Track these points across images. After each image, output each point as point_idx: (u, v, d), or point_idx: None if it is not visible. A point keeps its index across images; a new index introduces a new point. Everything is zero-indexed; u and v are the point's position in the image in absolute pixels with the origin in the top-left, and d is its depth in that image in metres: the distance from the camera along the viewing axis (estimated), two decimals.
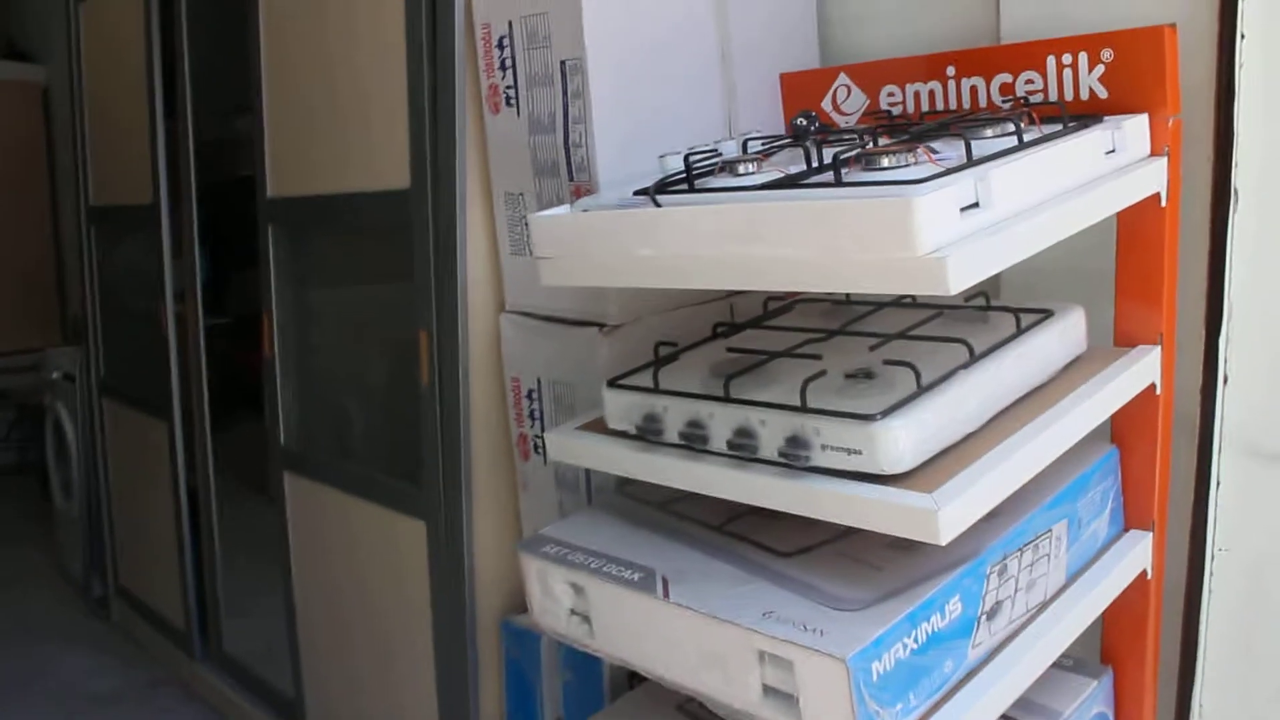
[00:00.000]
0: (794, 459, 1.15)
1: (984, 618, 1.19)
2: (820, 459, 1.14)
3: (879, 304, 1.51)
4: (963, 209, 1.07)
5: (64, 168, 5.35)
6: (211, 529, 2.90)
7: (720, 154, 1.37)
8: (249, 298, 2.90)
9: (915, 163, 1.16)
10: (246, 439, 2.82)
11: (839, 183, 1.12)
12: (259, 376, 2.53)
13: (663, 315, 1.63)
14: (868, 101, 1.66)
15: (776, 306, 1.59)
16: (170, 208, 2.87)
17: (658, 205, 1.23)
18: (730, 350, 1.37)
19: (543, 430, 1.75)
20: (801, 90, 1.74)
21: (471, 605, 1.89)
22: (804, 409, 1.15)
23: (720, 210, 1.15)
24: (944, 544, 1.05)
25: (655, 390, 1.29)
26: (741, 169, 1.30)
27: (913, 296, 1.50)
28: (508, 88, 1.68)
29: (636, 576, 1.26)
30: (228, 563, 2.92)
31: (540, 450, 1.77)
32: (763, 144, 1.43)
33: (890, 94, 1.63)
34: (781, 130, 1.71)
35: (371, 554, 2.14)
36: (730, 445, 1.21)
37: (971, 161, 1.13)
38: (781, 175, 1.23)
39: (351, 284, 2.43)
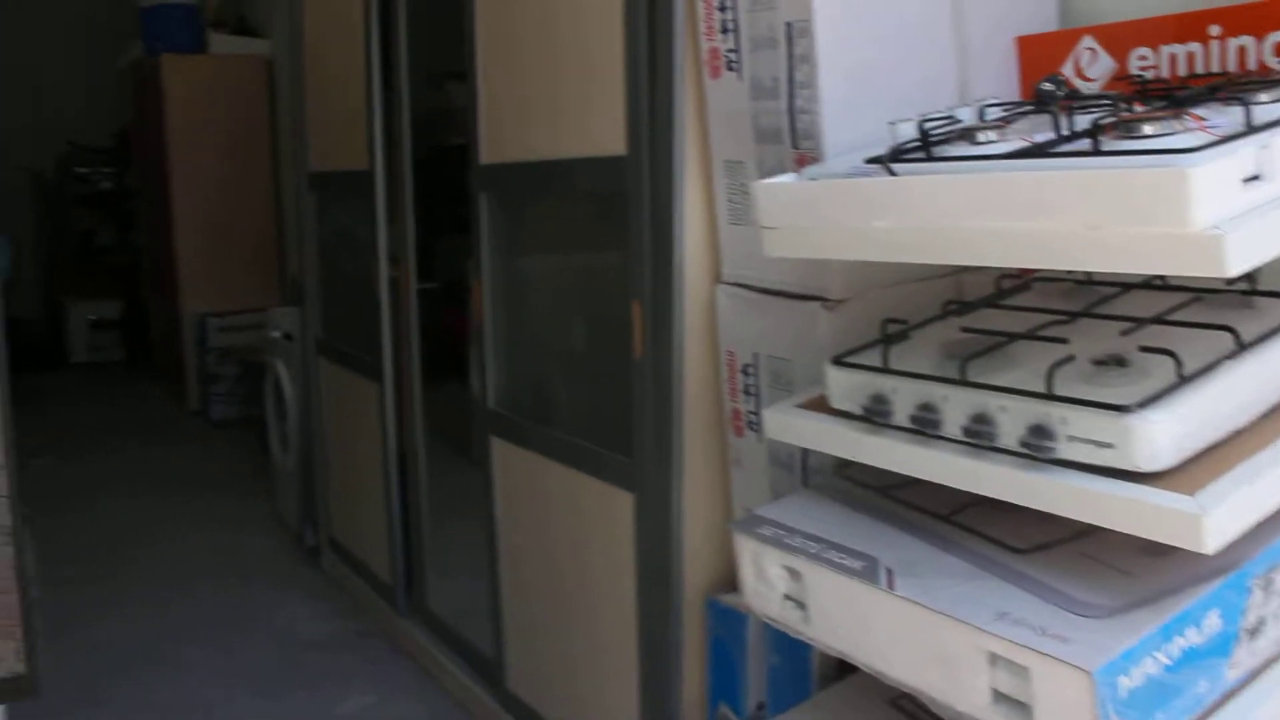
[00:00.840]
0: (1037, 450, 1.08)
1: (1245, 636, 1.09)
2: (1066, 451, 1.07)
3: (1126, 285, 1.41)
4: (1244, 181, 0.96)
5: (286, 137, 5.61)
6: (419, 489, 2.98)
7: (957, 120, 1.29)
8: (457, 263, 2.97)
9: (1183, 130, 1.06)
10: (454, 401, 2.88)
11: (1096, 152, 1.04)
12: (466, 341, 2.58)
13: (887, 291, 1.57)
14: (1115, 66, 1.54)
15: (1011, 285, 1.50)
16: (386, 174, 2.94)
17: (893, 174, 1.16)
18: (965, 330, 1.30)
19: (758, 406, 1.70)
20: (1040, 54, 1.64)
21: (678, 581, 1.87)
22: (1050, 396, 1.07)
23: (965, 181, 1.08)
24: (1211, 553, 0.96)
25: (885, 370, 1.24)
26: (981, 137, 1.22)
27: (1162, 278, 1.39)
28: (729, 51, 1.63)
29: (859, 565, 1.21)
30: (434, 521, 2.99)
31: (755, 427, 1.73)
32: (1003, 110, 1.34)
33: (1141, 57, 1.51)
34: (1017, 97, 1.61)
35: (577, 522, 2.16)
36: (965, 432, 1.14)
37: (1251, 129, 1.02)
38: (1028, 144, 1.14)
39: (563, 252, 2.44)
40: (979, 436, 1.13)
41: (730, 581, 1.38)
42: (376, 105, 2.93)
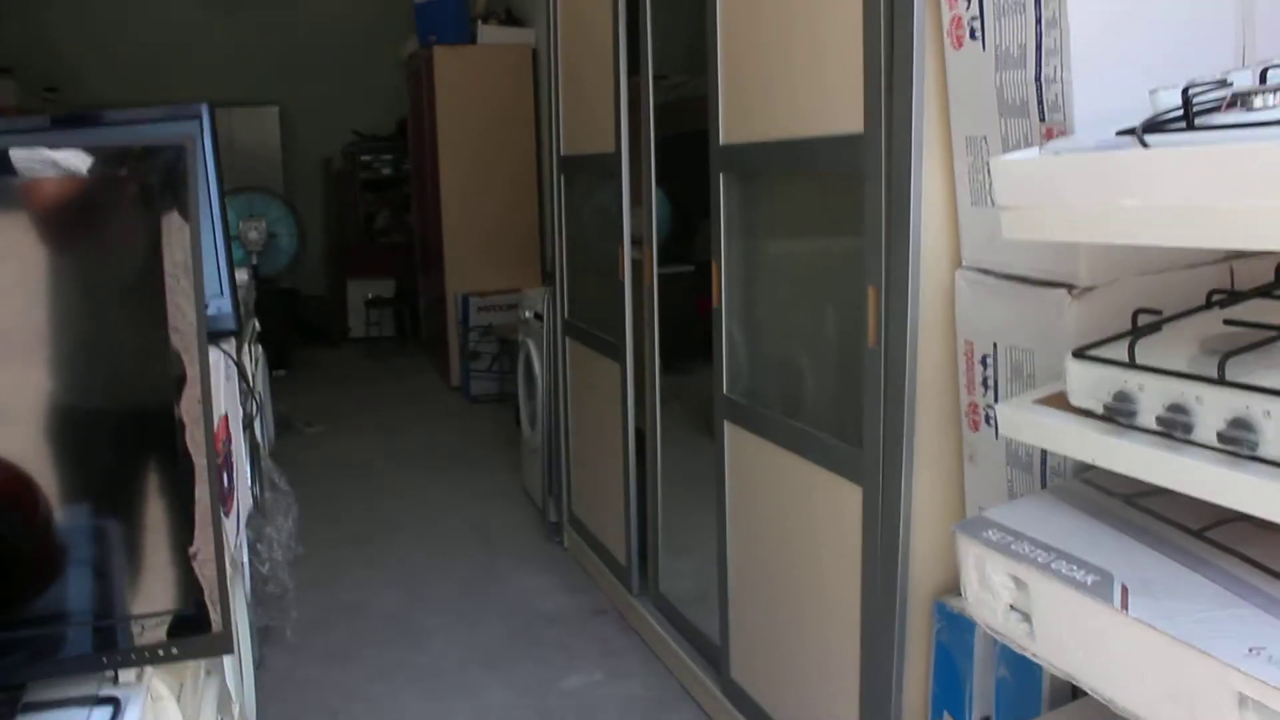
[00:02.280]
0: None
1: None
2: None
3: None
4: None
5: (546, 123, 5.76)
6: (656, 472, 2.98)
7: (1230, 86, 1.14)
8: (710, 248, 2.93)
9: None
10: (701, 382, 2.86)
11: None
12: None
13: (1144, 278, 1.42)
14: None
15: None
16: (630, 157, 2.95)
17: (1145, 146, 1.04)
18: (1228, 323, 1.15)
19: (996, 400, 1.59)
20: None
21: (904, 580, 1.77)
22: None
23: (1228, 152, 0.94)
24: None
25: (1131, 365, 1.11)
26: (1259, 102, 1.07)
27: None
28: (972, 19, 1.52)
29: (1090, 579, 1.10)
30: (672, 500, 2.99)
31: (992, 422, 1.62)
32: None
33: None
34: None
35: (805, 513, 2.09)
36: (1221, 438, 1.01)
37: None
38: None
39: (802, 235, 2.36)
40: (1238, 444, 0.99)
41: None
42: (622, 88, 2.93)
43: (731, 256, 2.38)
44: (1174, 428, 1.05)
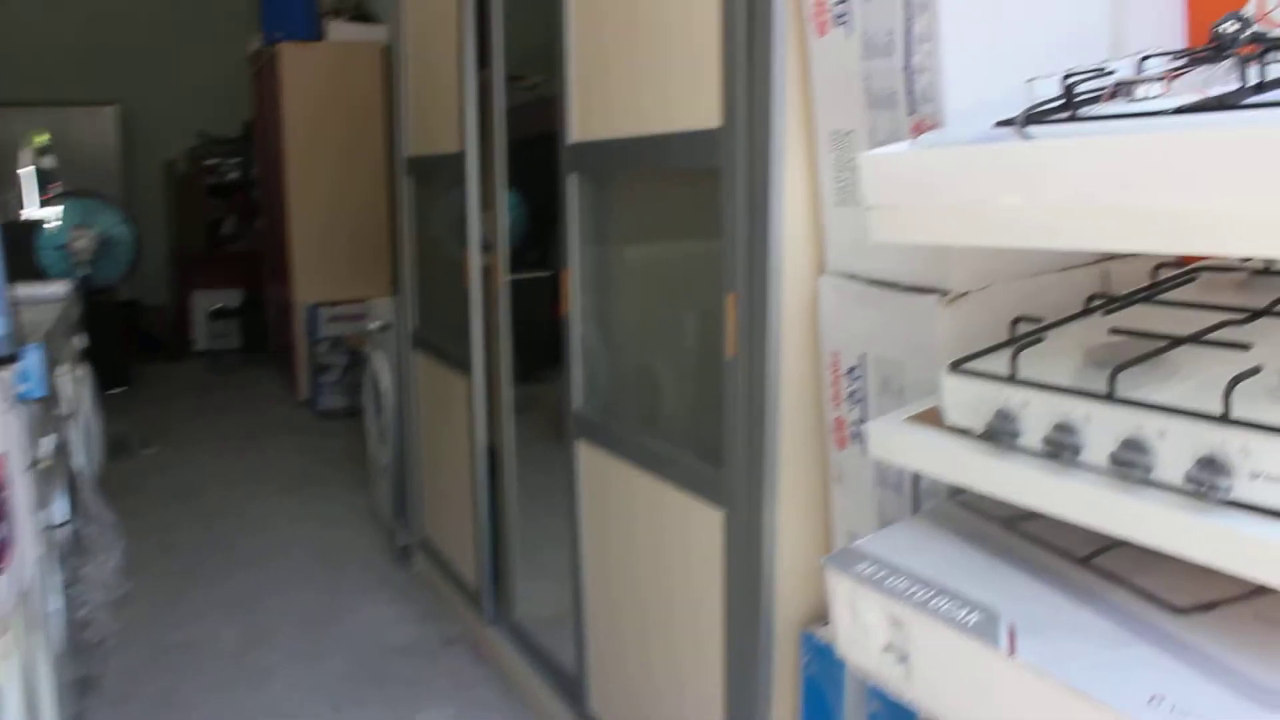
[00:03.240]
0: (1207, 487, 0.84)
1: None
2: (1246, 491, 0.83)
3: None
4: None
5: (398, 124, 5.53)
6: (509, 491, 2.82)
7: (1110, 73, 1.05)
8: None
9: None
10: (552, 392, 2.71)
11: None
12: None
13: (1019, 283, 1.33)
14: None
15: (1171, 275, 1.25)
16: (480, 157, 2.79)
17: (1026, 138, 0.94)
18: (1114, 332, 1.06)
19: (863, 416, 1.48)
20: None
21: (769, 609, 1.66)
22: (1227, 419, 0.84)
23: (1121, 143, 0.84)
24: None
25: (1012, 380, 1.01)
26: (1141, 92, 0.98)
27: None
28: (837, 4, 1.41)
29: (973, 619, 0.99)
30: (532, 518, 2.83)
31: (859, 439, 1.51)
32: (1169, 61, 1.09)
33: None
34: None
35: (663, 539, 1.96)
36: (1114, 460, 0.91)
37: None
38: (1203, 98, 0.90)
39: (657, 240, 2.25)
40: (1131, 467, 0.89)
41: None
42: (470, 84, 2.77)
43: (584, 262, 2.23)
44: (1062, 449, 0.95)
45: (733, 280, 1.66)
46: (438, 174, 3.14)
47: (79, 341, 3.69)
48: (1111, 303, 1.18)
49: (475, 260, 2.82)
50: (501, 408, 2.85)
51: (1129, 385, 0.93)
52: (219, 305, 7.66)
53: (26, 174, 6.12)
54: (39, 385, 2.19)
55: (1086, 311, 1.19)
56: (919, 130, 1.28)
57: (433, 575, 3.39)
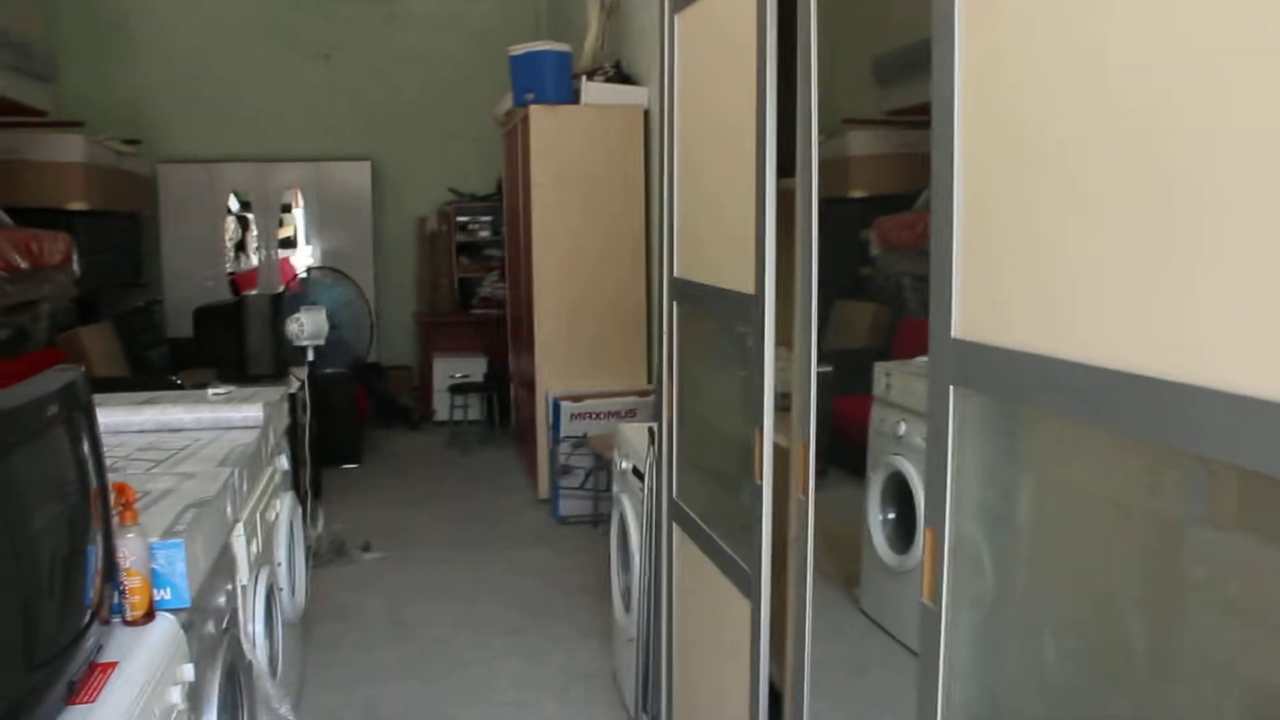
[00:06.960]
0: None
1: None
2: None
3: None
4: None
5: (658, 194, 4.82)
6: None
7: None
8: None
9: None
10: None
11: None
12: None
13: None
14: None
15: None
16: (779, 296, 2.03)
17: None
18: None
19: None
20: None
21: None
22: None
23: None
24: None
25: None
26: None
27: None
28: None
29: None
30: None
31: None
32: None
33: None
34: None
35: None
36: None
37: None
38: None
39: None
40: None
41: None
42: (769, 209, 1.97)
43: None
44: None
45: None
46: (717, 310, 2.36)
47: (281, 463, 3.11)
48: None
49: (768, 446, 2.01)
50: (788, 637, 2.03)
51: None
52: (461, 375, 7.17)
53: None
54: (181, 593, 1.90)
55: None
56: None
57: None
